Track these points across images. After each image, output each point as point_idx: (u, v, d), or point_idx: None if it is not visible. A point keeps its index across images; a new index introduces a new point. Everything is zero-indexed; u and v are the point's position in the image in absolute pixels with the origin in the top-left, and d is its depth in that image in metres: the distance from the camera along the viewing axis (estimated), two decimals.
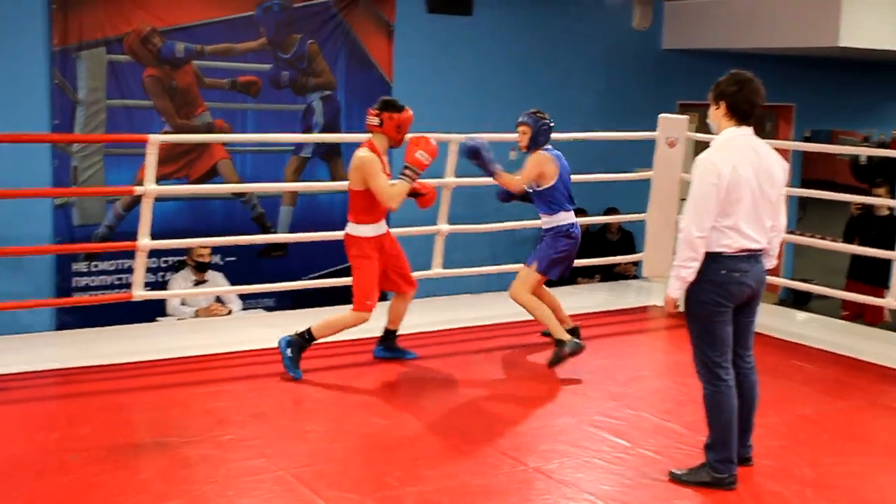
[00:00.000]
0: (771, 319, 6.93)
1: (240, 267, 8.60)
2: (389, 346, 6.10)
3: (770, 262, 4.37)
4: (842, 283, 10.00)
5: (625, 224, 10.09)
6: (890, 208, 9.77)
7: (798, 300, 11.63)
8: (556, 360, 5.96)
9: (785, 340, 6.80)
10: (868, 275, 9.56)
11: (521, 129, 6.10)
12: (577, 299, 7.79)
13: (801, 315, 8.12)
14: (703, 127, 8.49)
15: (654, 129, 7.75)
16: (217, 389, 5.46)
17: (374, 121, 5.61)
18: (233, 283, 7.97)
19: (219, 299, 7.87)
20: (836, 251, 8.50)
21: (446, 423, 5.05)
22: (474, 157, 6.02)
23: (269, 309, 8.59)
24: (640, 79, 11.13)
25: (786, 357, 6.41)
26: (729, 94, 4.23)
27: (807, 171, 13.69)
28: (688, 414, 5.19)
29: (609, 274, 9.79)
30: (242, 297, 8.10)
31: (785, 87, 11.86)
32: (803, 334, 6.95)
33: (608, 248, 9.59)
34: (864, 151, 13.43)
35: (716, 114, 4.29)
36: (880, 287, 9.49)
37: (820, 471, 4.59)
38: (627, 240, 10.21)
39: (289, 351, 5.66)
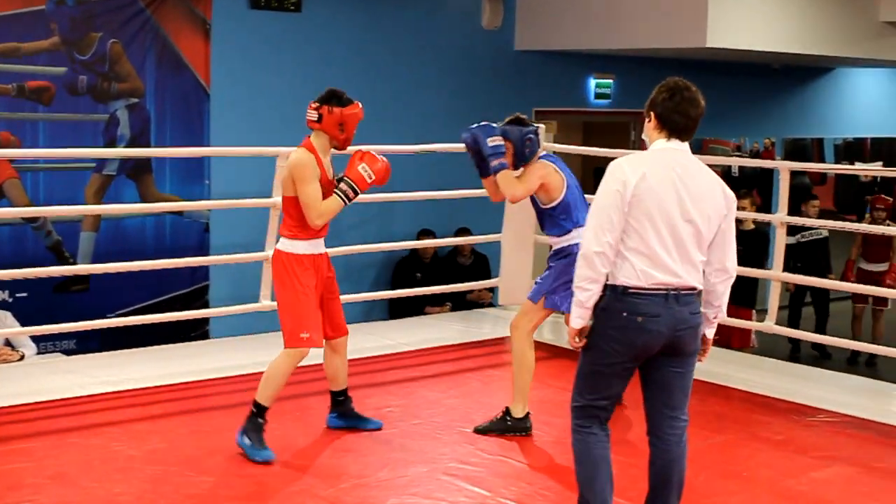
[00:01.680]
0: None
1: (33, 304, 8.35)
2: (343, 412, 5.70)
3: (713, 312, 4.18)
4: None
5: (478, 246, 10.22)
6: (756, 222, 10.18)
7: None
8: (488, 430, 5.66)
9: None
10: (733, 295, 9.92)
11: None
12: (426, 331, 7.84)
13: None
14: (561, 136, 8.78)
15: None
16: (8, 449, 5.28)
17: (313, 115, 5.33)
18: (24, 324, 7.73)
19: (8, 342, 7.62)
20: None
21: (283, 479, 5.00)
22: (472, 147, 5.65)
23: (69, 352, 8.35)
24: (492, 83, 11.31)
25: None
26: (658, 104, 4.06)
27: None
28: (554, 456, 5.27)
29: (461, 302, 9.89)
30: (36, 339, 7.85)
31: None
32: None
33: (460, 274, 9.70)
34: (739, 162, 13.96)
35: (647, 127, 4.13)
36: (746, 308, 9.91)
37: None
38: (481, 263, 10.34)
39: (246, 440, 5.26)
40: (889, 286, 11.34)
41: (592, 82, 12.07)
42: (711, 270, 4.10)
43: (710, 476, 5.21)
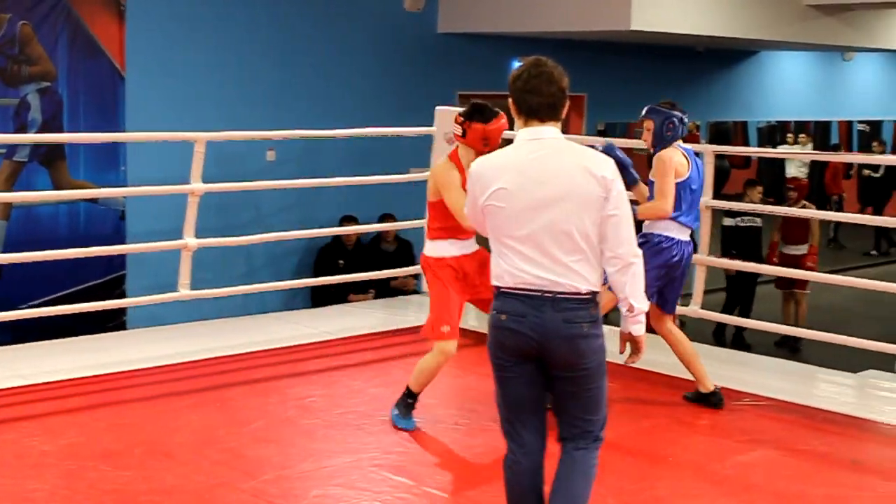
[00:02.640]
0: None
1: None
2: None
3: (624, 306, 3.85)
4: None
5: (402, 232, 10.21)
6: None
7: None
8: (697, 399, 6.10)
9: None
10: None
11: (644, 124, 5.91)
12: (349, 319, 7.82)
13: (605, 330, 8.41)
14: None
15: (430, 124, 7.88)
16: None
17: (458, 130, 5.46)
18: None
19: None
20: None
21: (203, 473, 4.95)
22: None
23: None
24: (416, 66, 11.30)
25: None
26: (511, 87, 3.85)
27: None
28: (477, 445, 5.29)
29: (385, 289, 9.88)
30: None
31: (575, 76, 12.29)
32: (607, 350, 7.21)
33: (384, 260, 9.68)
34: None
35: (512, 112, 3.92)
36: None
37: (626, 499, 4.77)
38: (405, 250, 10.33)
39: (395, 410, 5.65)
40: (809, 268, 11.53)
41: (517, 65, 12.05)
42: (606, 260, 3.75)
43: (637, 461, 5.26)
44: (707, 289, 7.45)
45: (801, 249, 11.86)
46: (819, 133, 19.39)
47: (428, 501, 4.68)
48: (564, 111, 3.84)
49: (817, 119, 18.68)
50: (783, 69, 16.02)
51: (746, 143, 18.02)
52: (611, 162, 3.78)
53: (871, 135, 19.92)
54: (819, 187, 17.65)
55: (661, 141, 5.84)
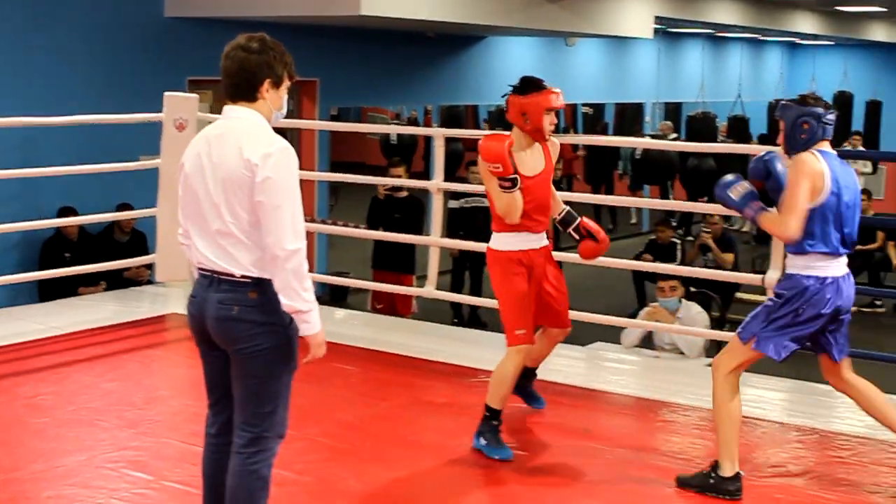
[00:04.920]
0: None
1: None
2: (521, 385, 5.52)
3: (286, 307, 3.63)
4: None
5: (139, 223, 9.97)
6: (410, 190, 10.48)
7: (335, 296, 12.14)
8: (688, 484, 4.79)
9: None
10: (393, 262, 10.23)
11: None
12: (79, 313, 7.57)
13: (340, 312, 8.47)
14: (219, 106, 8.60)
15: (160, 110, 7.72)
16: None
17: (504, 106, 5.14)
18: None
19: None
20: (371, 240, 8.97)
21: None
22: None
23: None
24: (143, 52, 11.03)
25: (324, 360, 6.63)
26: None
27: (336, 152, 14.32)
28: None
29: (118, 280, 9.62)
30: None
31: (307, 61, 12.28)
32: (342, 333, 7.23)
33: (116, 251, 9.42)
34: (398, 130, 14.26)
35: None
36: (407, 274, 10.26)
37: (367, 481, 4.81)
38: (139, 240, 10.09)
39: (482, 440, 5.16)
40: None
41: None
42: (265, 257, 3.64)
43: (376, 443, 5.31)
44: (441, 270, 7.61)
45: None
46: None
47: (168, 496, 4.60)
48: (262, 93, 3.72)
49: None
50: (510, 54, 16.44)
51: (477, 127, 18.47)
52: (268, 146, 3.60)
53: (595, 117, 20.77)
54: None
55: (794, 146, 4.59)
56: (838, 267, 4.57)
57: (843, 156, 4.73)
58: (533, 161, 5.14)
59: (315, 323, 3.69)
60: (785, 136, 4.61)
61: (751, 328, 4.59)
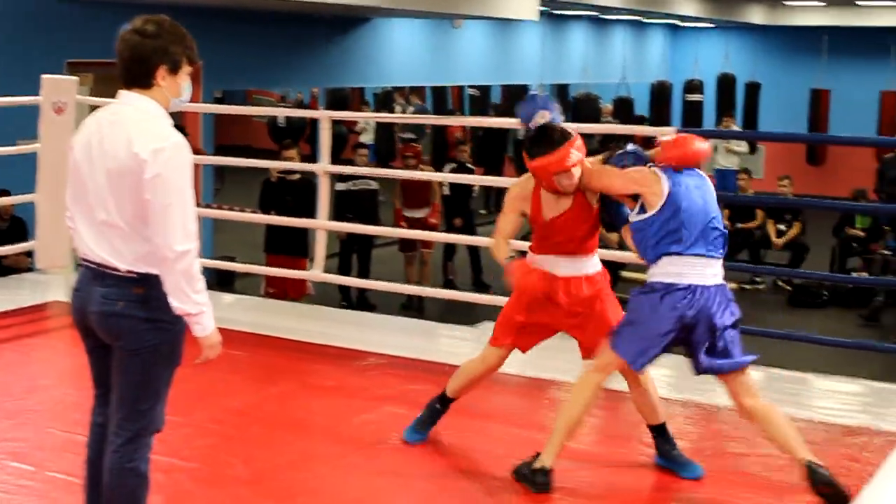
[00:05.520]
0: None
1: None
2: (662, 450, 4.87)
3: (175, 308, 3.51)
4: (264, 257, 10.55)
5: (18, 210, 9.75)
6: (303, 173, 10.42)
7: (222, 281, 11.99)
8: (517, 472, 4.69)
9: None
10: (286, 246, 10.18)
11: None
12: None
13: (227, 297, 8.39)
14: (100, 89, 8.48)
15: (37, 93, 7.54)
16: None
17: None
18: None
19: None
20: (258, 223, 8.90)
21: None
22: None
23: None
24: (20, 33, 10.79)
25: None
26: None
27: (221, 136, 14.19)
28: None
29: None
30: None
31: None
32: (229, 318, 7.13)
33: None
34: (285, 112, 14.15)
35: None
36: (301, 257, 10.21)
37: (255, 466, 4.78)
38: (18, 227, 9.88)
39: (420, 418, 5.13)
40: (433, 226, 11.96)
41: None
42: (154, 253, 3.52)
43: (266, 428, 5.28)
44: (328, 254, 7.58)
45: (423, 212, 12.26)
46: (435, 98, 20.07)
47: (51, 486, 4.52)
48: (157, 80, 3.57)
49: (432, 84, 19.30)
50: (396, 36, 16.41)
51: (363, 109, 18.42)
52: (159, 141, 3.45)
53: (482, 99, 20.83)
54: (441, 150, 18.08)
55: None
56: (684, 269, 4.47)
57: (719, 136, 4.80)
58: (559, 203, 4.70)
59: (207, 325, 3.57)
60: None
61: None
